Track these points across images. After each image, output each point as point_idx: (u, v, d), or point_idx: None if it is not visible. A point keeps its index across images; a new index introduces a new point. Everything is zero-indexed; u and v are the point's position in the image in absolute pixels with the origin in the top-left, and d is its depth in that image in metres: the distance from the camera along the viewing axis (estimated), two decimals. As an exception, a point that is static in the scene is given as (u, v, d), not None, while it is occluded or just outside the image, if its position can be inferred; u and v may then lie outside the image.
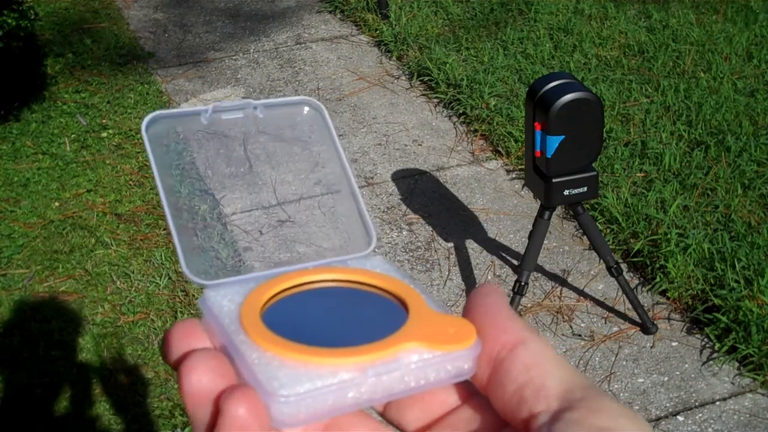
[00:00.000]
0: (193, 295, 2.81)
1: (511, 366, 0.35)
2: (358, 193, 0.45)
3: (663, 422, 2.30)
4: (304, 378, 0.34)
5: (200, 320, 0.37)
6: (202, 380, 0.34)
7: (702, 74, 3.90)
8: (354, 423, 0.37)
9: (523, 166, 3.41)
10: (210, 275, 0.40)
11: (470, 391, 0.38)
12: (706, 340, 2.56)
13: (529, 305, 2.73)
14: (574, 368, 0.35)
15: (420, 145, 3.68)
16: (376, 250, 0.44)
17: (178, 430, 2.34)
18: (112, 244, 3.10)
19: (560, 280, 2.84)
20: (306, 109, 0.46)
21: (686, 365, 2.48)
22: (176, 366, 0.35)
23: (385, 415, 0.39)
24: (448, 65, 4.10)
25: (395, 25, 4.65)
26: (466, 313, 0.38)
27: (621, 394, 2.39)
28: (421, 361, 0.36)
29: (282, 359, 0.35)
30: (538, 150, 2.22)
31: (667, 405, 2.35)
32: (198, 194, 0.44)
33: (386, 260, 0.43)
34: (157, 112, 0.41)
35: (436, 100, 4.02)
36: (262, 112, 0.44)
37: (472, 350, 0.36)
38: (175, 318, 2.73)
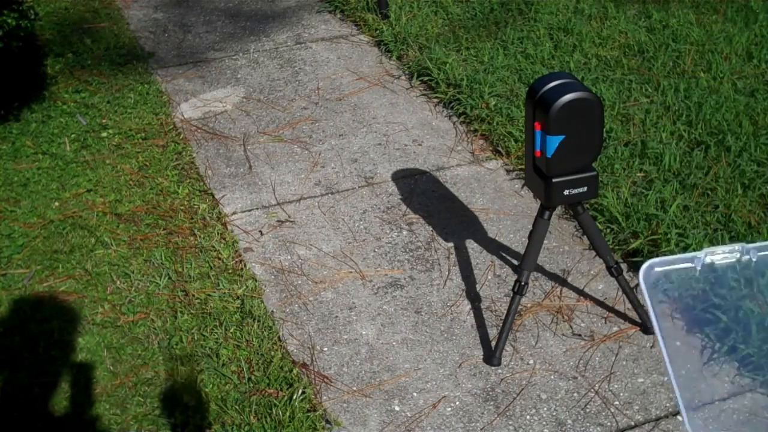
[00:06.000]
0: (194, 295, 2.81)
1: None
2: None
3: (663, 422, 2.30)
4: None
5: None
6: None
7: (702, 74, 3.90)
8: None
9: (523, 166, 3.42)
10: None
11: None
12: (706, 340, 2.56)
13: (529, 305, 2.73)
14: None
15: (420, 145, 3.68)
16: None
17: (178, 430, 2.35)
18: (112, 244, 3.10)
19: (560, 280, 2.84)
20: None
21: (686, 365, 2.47)
22: None
23: None
24: (448, 65, 4.10)
25: (395, 25, 4.65)
26: None
27: (621, 394, 2.39)
28: None
29: None
30: (538, 150, 2.22)
31: (667, 405, 2.35)
32: (715, 358, 0.42)
33: None
34: (654, 261, 0.40)
35: (436, 100, 4.02)
36: (754, 255, 0.43)
37: None
38: (175, 318, 2.73)
